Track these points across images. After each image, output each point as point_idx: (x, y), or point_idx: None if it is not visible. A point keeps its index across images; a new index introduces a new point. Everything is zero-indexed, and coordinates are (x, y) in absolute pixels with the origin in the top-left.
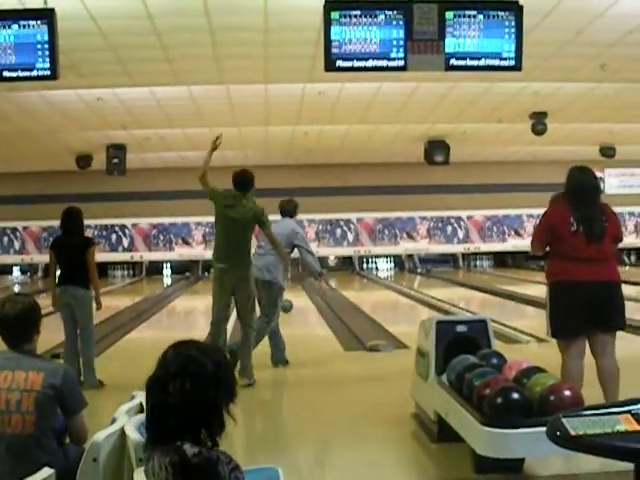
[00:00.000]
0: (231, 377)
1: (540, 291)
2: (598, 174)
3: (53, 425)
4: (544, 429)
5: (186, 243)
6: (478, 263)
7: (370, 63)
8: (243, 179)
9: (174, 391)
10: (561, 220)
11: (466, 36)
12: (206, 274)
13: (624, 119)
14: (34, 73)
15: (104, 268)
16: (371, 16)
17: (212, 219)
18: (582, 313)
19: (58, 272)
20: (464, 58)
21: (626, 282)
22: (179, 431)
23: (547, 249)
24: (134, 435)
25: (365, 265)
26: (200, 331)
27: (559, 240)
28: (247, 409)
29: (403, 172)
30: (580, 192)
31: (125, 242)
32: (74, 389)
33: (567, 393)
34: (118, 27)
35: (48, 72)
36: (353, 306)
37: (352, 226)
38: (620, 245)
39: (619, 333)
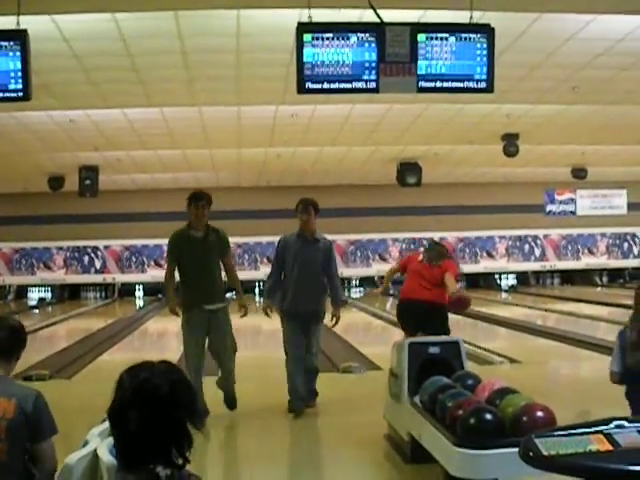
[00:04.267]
0: (189, 394)
1: (512, 313)
2: (570, 195)
3: (26, 451)
4: (517, 450)
5: (158, 265)
6: None
7: (342, 85)
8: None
9: (133, 418)
10: (414, 256)
11: (438, 58)
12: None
13: (596, 141)
14: (6, 94)
15: (76, 290)
16: (343, 38)
17: None
18: (410, 316)
19: None
20: (436, 80)
21: (598, 303)
22: (149, 454)
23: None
24: (107, 457)
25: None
26: (172, 353)
27: (409, 265)
28: (217, 432)
29: (375, 194)
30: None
31: (97, 264)
32: (43, 416)
33: (540, 414)
34: (91, 49)
35: (20, 93)
36: (325, 328)
37: None
38: (592, 266)
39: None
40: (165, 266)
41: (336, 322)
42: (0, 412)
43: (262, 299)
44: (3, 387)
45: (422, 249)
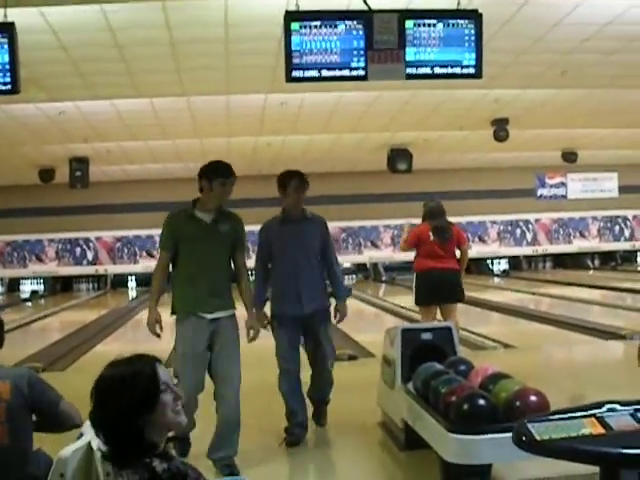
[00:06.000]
0: (144, 384)
1: (504, 297)
2: (561, 179)
3: (28, 431)
4: (510, 435)
5: (150, 255)
6: None
7: (331, 73)
8: None
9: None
10: (424, 232)
11: (426, 45)
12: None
13: (585, 124)
14: None
15: (69, 282)
16: (331, 26)
17: None
18: (434, 289)
19: None
20: (424, 67)
21: (590, 286)
22: (138, 449)
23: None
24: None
25: None
26: (165, 343)
27: (422, 245)
28: (211, 419)
29: (366, 181)
30: (432, 216)
31: (89, 255)
32: (44, 390)
33: (533, 398)
34: (79, 40)
35: (9, 87)
36: None
37: None
38: (583, 250)
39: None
40: (157, 256)
41: (340, 319)
42: None
43: (254, 309)
44: None
45: (426, 224)
